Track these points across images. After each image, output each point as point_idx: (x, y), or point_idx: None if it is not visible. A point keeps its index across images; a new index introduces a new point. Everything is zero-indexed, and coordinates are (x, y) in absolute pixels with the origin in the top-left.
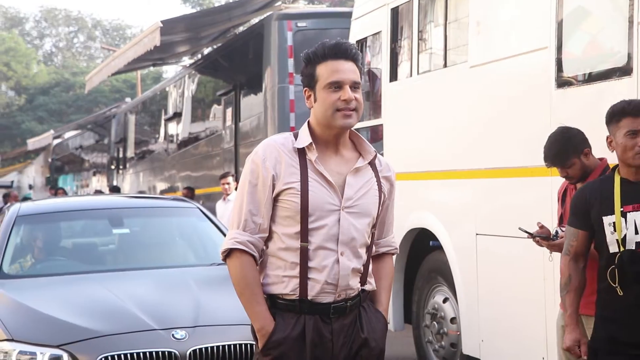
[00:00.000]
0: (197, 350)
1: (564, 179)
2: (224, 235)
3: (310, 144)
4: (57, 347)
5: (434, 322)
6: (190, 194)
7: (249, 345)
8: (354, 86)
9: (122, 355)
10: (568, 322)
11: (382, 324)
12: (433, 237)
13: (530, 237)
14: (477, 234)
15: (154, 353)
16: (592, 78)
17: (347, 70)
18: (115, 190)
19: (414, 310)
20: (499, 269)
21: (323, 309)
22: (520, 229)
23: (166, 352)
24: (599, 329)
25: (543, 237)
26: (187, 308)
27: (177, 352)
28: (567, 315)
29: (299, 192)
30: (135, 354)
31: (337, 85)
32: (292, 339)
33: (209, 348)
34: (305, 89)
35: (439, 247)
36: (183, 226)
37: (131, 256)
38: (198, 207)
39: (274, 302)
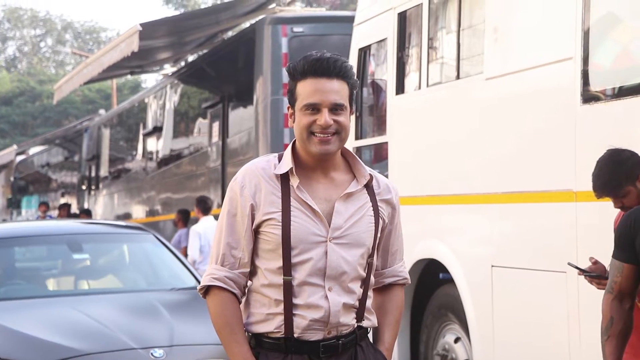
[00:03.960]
0: None
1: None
2: (180, 261)
3: (291, 169)
4: None
5: None
6: (183, 217)
7: None
8: (336, 108)
9: None
10: None
11: None
12: (443, 269)
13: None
14: (492, 266)
15: None
16: (622, 92)
17: (328, 90)
18: (86, 213)
19: (422, 351)
20: (517, 306)
21: (312, 347)
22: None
23: None
24: None
25: (595, 276)
26: (162, 328)
27: None
28: None
29: (280, 223)
30: None
31: (314, 108)
32: None
33: None
34: (288, 106)
35: (450, 280)
36: (139, 252)
37: (91, 280)
38: (153, 234)
39: (260, 342)
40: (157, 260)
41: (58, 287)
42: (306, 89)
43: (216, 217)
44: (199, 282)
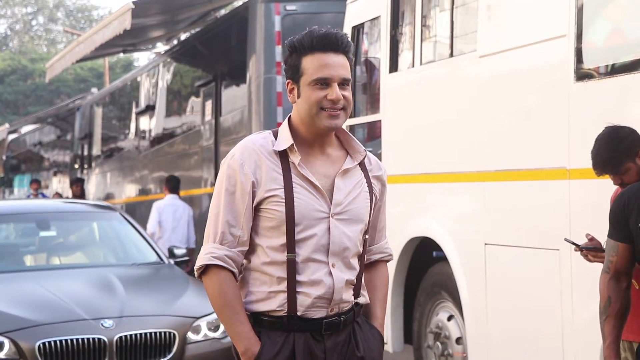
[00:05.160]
0: (123, 337)
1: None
2: (144, 238)
3: (292, 145)
4: (0, 334)
5: (438, 343)
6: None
7: (168, 333)
8: (344, 83)
9: (58, 342)
10: (607, 355)
11: (379, 341)
12: (437, 247)
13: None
14: (486, 244)
15: (85, 339)
16: (615, 70)
17: (336, 65)
18: (77, 182)
19: (415, 329)
20: (510, 283)
21: (314, 325)
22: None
23: (96, 339)
24: None
25: (591, 249)
26: (113, 301)
27: (105, 339)
28: (605, 346)
29: (284, 200)
30: (69, 340)
31: (324, 82)
32: (280, 359)
33: (134, 335)
34: (288, 81)
35: (443, 259)
36: (105, 229)
37: (57, 256)
38: (119, 212)
39: (259, 321)
40: (122, 237)
41: (27, 264)
42: (314, 64)
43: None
44: (160, 257)
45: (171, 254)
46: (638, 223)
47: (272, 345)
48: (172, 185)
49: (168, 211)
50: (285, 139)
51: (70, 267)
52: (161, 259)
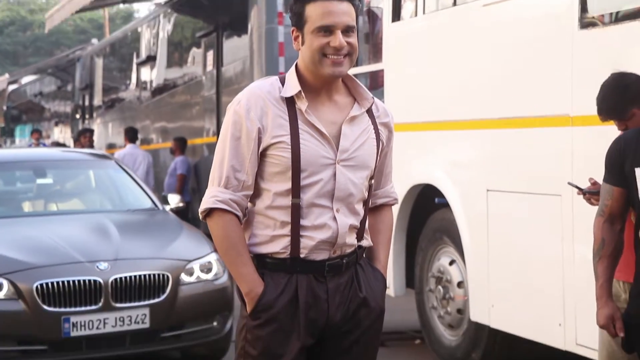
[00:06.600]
0: (118, 279)
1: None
2: (139, 185)
3: (300, 92)
4: None
5: (439, 287)
6: (179, 145)
7: (161, 275)
8: (348, 30)
9: (55, 283)
10: (599, 294)
11: (381, 283)
12: (439, 193)
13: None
14: (488, 190)
15: (81, 281)
16: (619, 18)
17: (340, 12)
18: (86, 132)
19: (417, 273)
20: (512, 228)
21: (317, 266)
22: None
23: (92, 280)
24: (632, 303)
25: (594, 193)
26: (109, 245)
27: (100, 280)
28: (597, 286)
29: (289, 146)
30: (65, 282)
31: (327, 30)
32: (283, 301)
33: (128, 277)
34: (293, 28)
35: (446, 205)
36: (101, 176)
37: (55, 203)
38: (115, 160)
39: (262, 262)
40: (118, 184)
41: (25, 210)
42: (317, 11)
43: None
44: (154, 203)
45: (165, 201)
46: (633, 167)
47: (275, 286)
48: (131, 135)
49: (128, 160)
50: (292, 86)
51: (66, 213)
52: (156, 205)
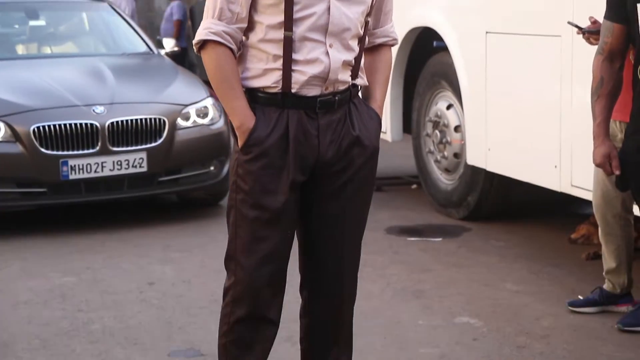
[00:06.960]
0: (114, 122)
1: None
2: (133, 29)
3: None
4: None
5: (436, 131)
6: None
7: (158, 119)
8: None
9: (52, 126)
10: (596, 132)
11: (376, 122)
12: (437, 36)
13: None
14: (487, 32)
15: (78, 124)
16: None
17: None
18: None
19: (414, 118)
20: (510, 71)
21: (308, 102)
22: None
23: (88, 124)
24: (627, 141)
25: (593, 32)
26: (104, 89)
27: (97, 124)
28: (595, 125)
29: None
30: (62, 125)
31: None
32: (275, 137)
33: (124, 121)
34: None
35: (444, 48)
36: (94, 19)
37: (49, 46)
38: (108, 3)
39: (254, 97)
40: (112, 28)
41: (18, 52)
42: None
43: None
44: (150, 47)
45: (160, 45)
46: (635, 3)
47: (266, 121)
48: None
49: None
50: None
51: (61, 56)
52: (151, 49)
